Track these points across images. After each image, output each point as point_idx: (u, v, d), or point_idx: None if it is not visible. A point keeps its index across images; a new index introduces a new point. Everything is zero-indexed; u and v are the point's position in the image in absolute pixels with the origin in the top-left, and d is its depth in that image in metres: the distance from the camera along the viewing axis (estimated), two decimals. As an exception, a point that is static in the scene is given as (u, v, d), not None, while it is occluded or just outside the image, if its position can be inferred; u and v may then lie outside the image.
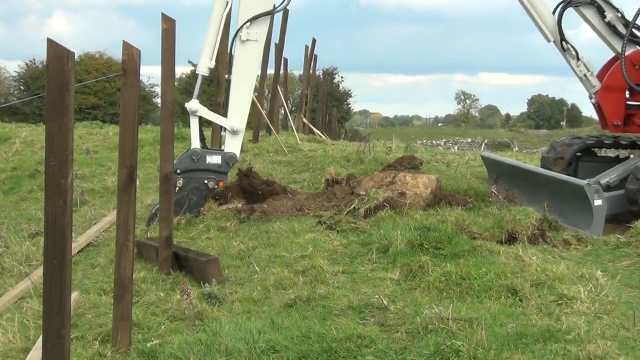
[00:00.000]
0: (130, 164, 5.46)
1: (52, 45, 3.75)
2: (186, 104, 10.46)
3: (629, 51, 11.47)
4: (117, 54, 48.76)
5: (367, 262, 8.01)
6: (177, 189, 10.11)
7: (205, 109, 10.59)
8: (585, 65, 11.78)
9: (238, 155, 10.72)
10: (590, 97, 11.88)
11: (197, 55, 10.84)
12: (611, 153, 14.88)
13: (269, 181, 11.65)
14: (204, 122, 10.78)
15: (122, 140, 5.49)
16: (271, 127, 17.93)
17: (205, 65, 10.52)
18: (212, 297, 6.89)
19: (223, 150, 10.66)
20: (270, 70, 19.11)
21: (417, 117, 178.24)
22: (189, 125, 10.75)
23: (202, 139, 10.62)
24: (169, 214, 7.91)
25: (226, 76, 11.00)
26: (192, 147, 10.42)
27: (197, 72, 10.78)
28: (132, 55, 5.39)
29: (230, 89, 10.60)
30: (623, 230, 9.91)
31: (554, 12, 11.75)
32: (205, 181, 10.44)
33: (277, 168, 14.35)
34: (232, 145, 10.63)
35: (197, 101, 10.43)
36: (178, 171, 10.06)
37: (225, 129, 10.80)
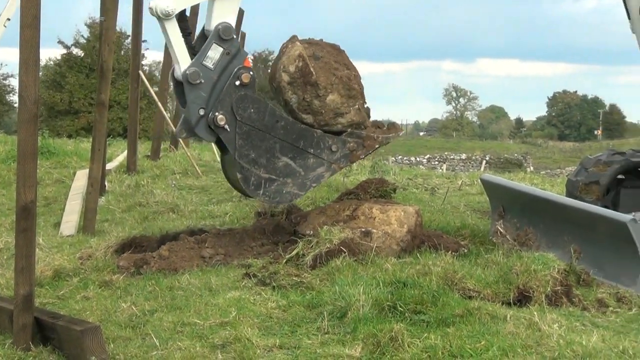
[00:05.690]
0: (-29, 188, 5.46)
1: None
2: (152, 3, 10.01)
3: None
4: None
5: (315, 332, 8.03)
6: (223, 132, 10.15)
7: None
8: None
9: (234, 22, 10.34)
10: None
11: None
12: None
13: None
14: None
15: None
16: (178, 136, 17.90)
17: None
18: (89, 384, 6.87)
19: (211, 31, 10.27)
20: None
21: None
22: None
23: (192, 46, 10.29)
24: (29, 262, 7.84)
25: None
26: (181, 69, 10.13)
27: None
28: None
29: None
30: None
31: None
32: (237, 82, 10.24)
33: (185, 196, 14.38)
34: (223, 11, 10.31)
35: None
36: (201, 112, 10.13)
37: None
